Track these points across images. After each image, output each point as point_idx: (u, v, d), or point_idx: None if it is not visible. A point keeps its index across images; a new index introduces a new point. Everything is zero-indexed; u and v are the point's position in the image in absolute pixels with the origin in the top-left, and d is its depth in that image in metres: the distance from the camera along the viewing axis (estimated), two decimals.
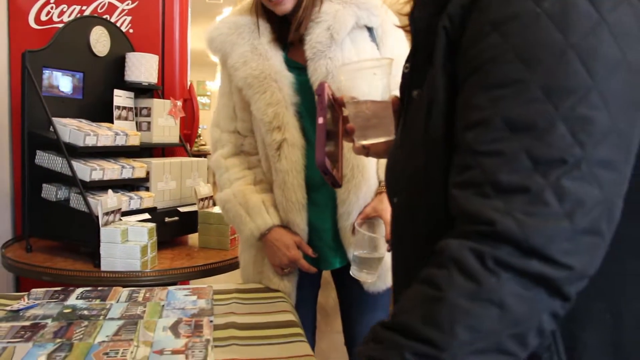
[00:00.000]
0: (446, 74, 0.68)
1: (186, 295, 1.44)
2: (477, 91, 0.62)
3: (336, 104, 1.07)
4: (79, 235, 1.86)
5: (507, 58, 0.60)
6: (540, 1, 0.60)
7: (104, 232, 1.72)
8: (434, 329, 0.57)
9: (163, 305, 1.36)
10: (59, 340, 1.15)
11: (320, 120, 1.00)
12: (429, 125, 0.70)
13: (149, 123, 2.25)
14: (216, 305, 1.41)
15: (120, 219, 1.84)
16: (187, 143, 2.54)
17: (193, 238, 2.22)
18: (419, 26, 0.77)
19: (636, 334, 0.66)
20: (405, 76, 0.83)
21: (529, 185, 0.57)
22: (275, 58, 1.45)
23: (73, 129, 1.88)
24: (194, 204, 2.16)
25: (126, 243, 1.73)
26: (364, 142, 1.04)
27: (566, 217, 0.56)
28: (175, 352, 1.09)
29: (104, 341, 1.14)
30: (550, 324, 0.59)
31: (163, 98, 2.40)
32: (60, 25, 2.41)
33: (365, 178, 1.43)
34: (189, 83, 2.63)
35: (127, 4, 2.46)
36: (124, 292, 1.47)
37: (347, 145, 1.18)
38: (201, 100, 17.98)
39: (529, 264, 0.56)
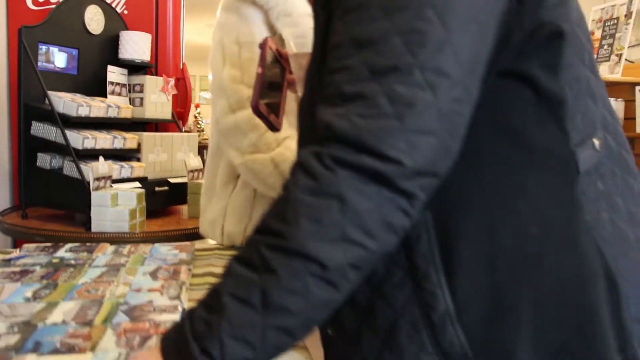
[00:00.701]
0: (326, 12, 0.72)
1: (169, 249, 1.52)
2: (336, 20, 0.68)
3: (282, 59, 1.17)
4: (71, 201, 1.94)
5: None
6: None
7: (94, 196, 1.80)
8: (282, 223, 0.61)
9: (146, 258, 1.44)
10: (45, 281, 1.23)
11: (259, 70, 1.11)
12: (314, 61, 0.78)
13: (141, 99, 2.33)
14: (197, 259, 1.49)
15: (111, 186, 1.92)
16: (179, 120, 2.62)
17: (183, 210, 2.30)
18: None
19: (509, 248, 0.70)
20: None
21: (365, 92, 0.61)
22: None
23: (67, 100, 1.96)
24: (184, 176, 2.24)
25: (116, 207, 1.81)
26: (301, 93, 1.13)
27: (396, 118, 0.60)
28: (151, 290, 1.17)
29: (86, 282, 1.22)
30: (400, 219, 0.62)
31: (156, 74, 2.48)
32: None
33: None
34: (182, 63, 2.71)
35: None
36: (111, 247, 1.55)
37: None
38: (204, 95, 18.13)
39: (361, 159, 0.60)
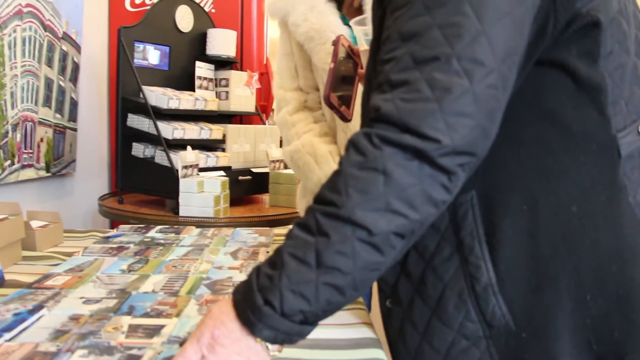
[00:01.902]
0: (381, 11, 0.79)
1: (249, 233, 1.63)
2: (387, 16, 0.74)
3: (354, 55, 1.26)
4: (162, 187, 2.09)
5: None
6: None
7: (182, 183, 1.94)
8: (334, 193, 0.68)
9: (227, 240, 1.54)
10: (138, 256, 1.36)
11: (332, 65, 1.20)
12: (373, 55, 0.84)
13: (227, 93, 2.46)
14: (275, 243, 1.58)
15: (198, 174, 2.06)
16: (262, 113, 2.74)
17: (265, 199, 2.41)
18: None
19: (550, 224, 0.75)
20: None
21: (409, 79, 0.68)
22: (333, 15, 1.58)
23: (159, 94, 2.11)
24: (267, 167, 2.35)
25: (202, 193, 1.94)
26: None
27: (435, 101, 0.66)
28: (231, 267, 1.27)
29: (174, 259, 1.34)
30: (440, 194, 0.68)
31: (241, 69, 2.61)
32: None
33: None
34: (265, 58, 2.82)
35: None
36: (196, 230, 1.67)
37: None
38: None
39: (404, 138, 0.66)
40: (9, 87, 1.72)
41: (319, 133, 1.64)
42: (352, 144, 0.71)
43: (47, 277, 1.19)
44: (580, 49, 0.74)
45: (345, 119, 1.30)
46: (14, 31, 1.73)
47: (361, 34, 1.29)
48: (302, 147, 1.62)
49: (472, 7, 0.67)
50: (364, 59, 1.24)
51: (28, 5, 1.80)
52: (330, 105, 1.24)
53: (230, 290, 1.11)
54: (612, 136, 0.75)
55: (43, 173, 2.00)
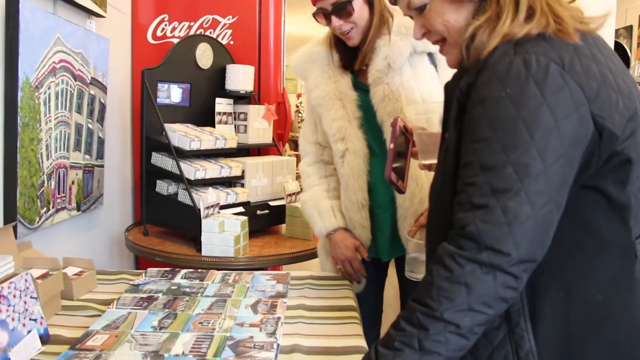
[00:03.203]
0: (457, 127, 1.03)
1: (267, 279, 1.78)
2: (467, 143, 0.98)
3: (407, 132, 1.45)
4: (184, 224, 2.26)
5: (483, 123, 0.96)
6: (506, 87, 0.93)
7: (204, 223, 2.10)
8: (429, 299, 0.94)
9: (248, 288, 1.70)
10: (167, 310, 1.52)
11: (391, 145, 1.40)
12: (446, 159, 1.06)
13: (245, 126, 2.61)
14: (291, 289, 1.73)
15: (219, 212, 2.22)
16: (279, 142, 2.89)
17: (281, 227, 2.56)
18: (448, 92, 1.11)
19: (580, 309, 0.99)
20: (442, 121, 1.18)
21: (488, 204, 0.92)
22: (343, 80, 1.74)
23: (181, 135, 2.27)
24: (283, 198, 2.50)
25: (223, 233, 2.09)
26: (423, 162, 1.42)
27: (507, 225, 0.91)
28: (252, 325, 1.43)
29: (199, 313, 1.50)
30: (509, 293, 0.93)
31: (259, 103, 2.76)
32: (173, 40, 2.85)
33: (419, 188, 1.70)
34: (282, 88, 2.97)
35: (229, 19, 2.83)
36: (218, 274, 1.83)
37: (414, 162, 1.54)
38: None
39: (482, 256, 0.91)
40: (45, 140, 1.89)
41: (327, 189, 1.83)
42: (441, 261, 0.96)
43: (87, 335, 1.35)
44: (615, 178, 0.98)
45: (401, 191, 1.52)
46: (49, 88, 1.89)
47: (414, 115, 1.45)
48: (310, 199, 1.84)
49: (538, 151, 0.91)
50: (417, 139, 1.43)
51: (61, 60, 1.97)
52: (390, 182, 1.44)
53: (252, 352, 1.27)
54: (632, 242, 1.00)
55: (75, 213, 2.17)
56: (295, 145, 11.67)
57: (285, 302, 1.59)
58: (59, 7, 2.02)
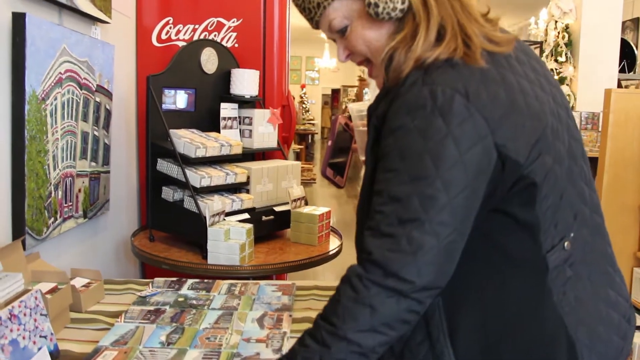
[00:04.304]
0: (373, 153, 1.08)
1: (273, 291, 1.82)
2: (380, 171, 1.03)
3: (349, 129, 1.53)
4: (190, 231, 2.29)
5: (393, 153, 1.00)
6: (414, 119, 0.98)
7: (210, 231, 2.13)
8: (335, 317, 1.01)
9: (254, 300, 1.74)
10: (174, 324, 1.56)
11: (329, 142, 1.50)
12: (365, 182, 1.12)
13: (250, 131, 2.64)
14: (297, 300, 1.77)
15: (224, 219, 2.25)
16: (284, 145, 2.92)
17: (286, 231, 2.59)
18: (370, 115, 1.15)
19: (496, 321, 1.06)
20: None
21: (394, 233, 0.98)
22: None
23: (186, 142, 2.30)
24: (288, 203, 2.53)
25: (228, 241, 2.13)
26: (363, 158, 1.47)
27: (412, 254, 0.96)
28: (259, 340, 1.47)
29: (207, 327, 1.54)
30: (412, 317, 1.00)
31: (264, 107, 2.78)
32: (177, 43, 2.87)
33: None
34: (287, 90, 2.99)
35: (233, 22, 2.86)
36: (224, 285, 1.87)
37: None
38: (310, 74, 18.61)
39: (388, 282, 0.97)
40: (51, 151, 1.92)
41: None
42: (348, 281, 1.02)
43: (96, 352, 1.39)
44: (521, 201, 1.03)
45: (339, 186, 1.58)
46: (55, 99, 1.92)
47: (355, 112, 1.54)
48: None
49: (443, 183, 0.96)
50: (357, 136, 1.51)
51: (67, 71, 1.99)
52: (326, 177, 1.56)
53: None
54: (543, 256, 1.05)
55: (81, 220, 2.20)
56: (299, 138, 11.73)
57: (291, 316, 1.62)
58: (65, 17, 2.04)
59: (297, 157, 9.78)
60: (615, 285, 1.14)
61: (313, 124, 15.57)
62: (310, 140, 13.57)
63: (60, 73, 1.95)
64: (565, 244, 1.07)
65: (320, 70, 17.99)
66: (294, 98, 3.08)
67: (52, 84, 1.90)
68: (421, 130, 0.97)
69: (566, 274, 1.07)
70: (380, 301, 0.97)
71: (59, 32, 1.92)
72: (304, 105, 16.30)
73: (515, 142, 0.98)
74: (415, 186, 0.97)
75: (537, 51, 6.75)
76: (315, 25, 1.19)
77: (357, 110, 1.51)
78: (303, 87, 17.15)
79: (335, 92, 19.01)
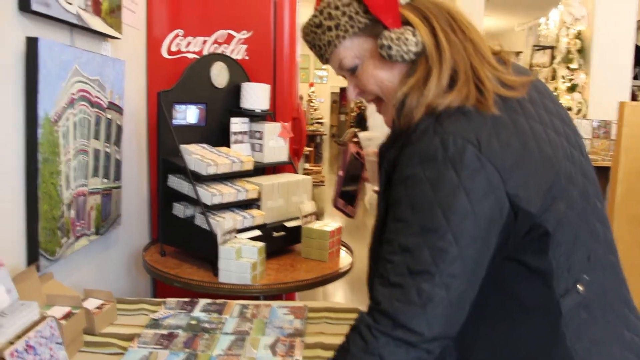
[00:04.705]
0: (385, 198, 1.09)
1: (285, 314, 1.83)
2: (390, 219, 1.04)
3: (360, 157, 1.54)
4: (201, 248, 2.31)
5: (404, 203, 1.01)
6: (425, 169, 0.98)
7: (222, 249, 2.15)
8: None
9: (266, 323, 1.75)
10: (187, 350, 1.58)
11: (340, 173, 1.52)
12: (376, 222, 1.13)
13: (261, 145, 2.65)
14: (309, 323, 1.78)
15: (235, 236, 2.27)
16: (295, 157, 2.93)
17: (297, 246, 2.61)
18: (381, 155, 1.16)
19: None
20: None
21: (403, 284, 0.99)
22: None
23: (197, 159, 2.32)
24: (298, 217, 2.54)
25: (240, 259, 2.15)
26: (374, 188, 1.50)
27: (421, 306, 0.97)
28: None
29: (220, 354, 1.56)
30: None
31: (274, 120, 2.80)
32: (187, 55, 2.89)
33: None
34: (297, 102, 3.00)
35: (243, 34, 2.87)
36: (236, 307, 1.89)
37: None
38: (318, 73, 18.60)
39: (396, 332, 0.98)
40: (64, 172, 1.94)
41: None
42: (358, 330, 1.04)
43: None
44: (534, 249, 1.03)
45: (350, 216, 1.59)
46: (67, 120, 1.94)
47: (365, 141, 1.56)
48: None
49: (454, 235, 0.96)
50: (368, 166, 1.54)
51: (79, 91, 2.01)
52: (338, 209, 1.55)
53: None
54: (556, 301, 1.05)
55: (94, 237, 2.23)
56: (308, 140, 11.72)
57: (303, 342, 1.64)
58: (76, 37, 2.06)
59: (307, 158, 9.79)
60: (631, 325, 1.14)
61: (322, 124, 15.55)
62: (319, 141, 13.56)
63: (72, 94, 1.97)
64: (579, 287, 1.07)
65: (328, 68, 17.97)
66: (301, 98, 3.08)
67: (65, 106, 1.92)
68: (432, 181, 0.97)
69: (580, 316, 1.07)
70: (389, 351, 0.99)
71: (71, 54, 1.94)
72: (312, 104, 16.29)
73: (527, 191, 0.99)
74: (425, 238, 0.97)
75: (548, 56, 6.72)
76: (325, 61, 1.20)
77: (367, 138, 1.52)
78: (311, 85, 17.14)
79: (344, 91, 18.89)
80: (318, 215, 2.61)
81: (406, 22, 1.08)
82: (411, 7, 1.09)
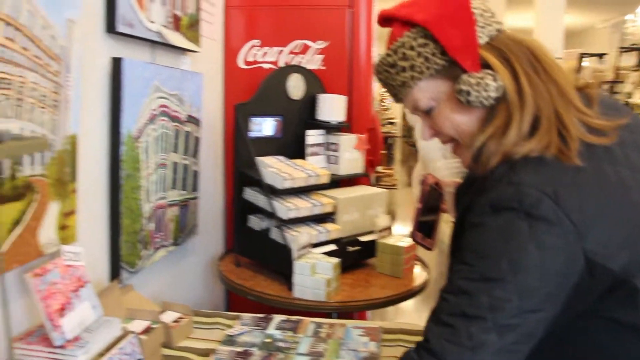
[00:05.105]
0: (457, 241, 1.10)
1: (359, 335, 1.82)
2: (456, 260, 1.04)
3: (439, 188, 1.51)
4: (276, 261, 2.34)
5: (471, 248, 1.00)
6: (497, 218, 0.96)
7: (297, 265, 2.16)
8: None
9: (341, 345, 1.75)
10: None
11: (419, 205, 1.44)
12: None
13: (336, 157, 2.65)
14: (384, 346, 1.77)
15: (310, 250, 2.28)
16: (370, 168, 2.91)
17: (371, 262, 2.59)
18: (458, 197, 1.17)
19: None
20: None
21: (456, 325, 0.97)
22: None
23: (273, 172, 2.34)
24: (373, 231, 2.52)
25: (315, 275, 2.15)
26: (453, 219, 1.45)
27: (471, 350, 0.95)
28: None
29: None
30: None
31: (350, 131, 2.79)
32: (263, 65, 2.93)
33: None
34: (373, 113, 2.98)
35: (319, 44, 2.87)
36: (311, 325, 1.89)
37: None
38: None
39: None
40: (144, 186, 2.00)
41: None
42: None
43: None
44: (623, 306, 0.99)
45: (429, 249, 1.55)
46: (148, 135, 2.00)
47: (446, 171, 1.53)
48: None
49: (517, 288, 0.93)
50: (447, 197, 1.51)
51: (160, 106, 2.07)
52: (416, 242, 1.51)
53: None
54: None
55: (172, 248, 2.29)
56: (387, 160, 11.70)
57: None
58: (157, 54, 2.12)
59: None
60: None
61: (393, 124, 15.41)
62: (390, 142, 13.44)
63: (152, 109, 2.03)
64: None
65: None
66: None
67: (146, 122, 1.98)
68: (502, 231, 0.95)
69: None
70: None
71: (152, 71, 2.00)
72: (383, 104, 16.17)
73: (608, 248, 0.94)
74: (486, 285, 0.96)
75: (636, 58, 6.39)
76: (399, 101, 1.17)
77: (446, 168, 1.50)
78: None
79: None
80: (392, 217, 2.59)
81: (486, 65, 1.04)
82: (491, 48, 1.05)
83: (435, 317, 1.01)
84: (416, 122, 2.00)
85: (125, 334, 1.48)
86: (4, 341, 1.00)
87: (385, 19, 1.14)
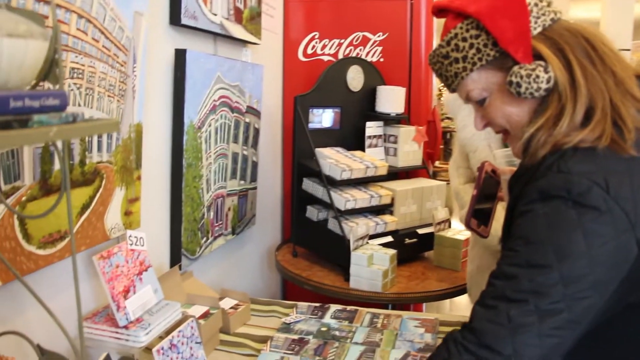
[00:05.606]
0: (508, 230, 1.10)
1: (415, 326, 1.82)
2: (505, 247, 1.06)
3: (495, 175, 1.48)
4: (333, 253, 2.36)
5: (519, 234, 1.01)
6: (545, 206, 0.97)
7: (353, 255, 2.18)
8: None
9: (396, 335, 1.76)
10: (318, 357, 1.62)
11: (474, 192, 1.45)
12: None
13: (395, 149, 2.65)
14: (440, 338, 1.76)
15: (367, 242, 2.29)
16: (429, 161, 2.90)
17: (429, 255, 2.58)
18: (510, 187, 1.16)
19: None
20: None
21: (498, 307, 0.99)
22: None
23: (332, 164, 2.36)
24: (431, 224, 2.51)
25: (371, 266, 2.16)
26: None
27: (509, 331, 0.96)
28: None
29: None
30: None
31: (409, 123, 2.78)
32: (322, 57, 2.95)
33: None
34: (432, 106, 2.96)
35: (379, 36, 2.88)
36: (367, 315, 1.91)
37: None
38: None
39: (481, 352, 0.99)
40: (205, 175, 2.06)
41: None
42: (445, 344, 1.07)
43: None
44: None
45: (483, 236, 1.52)
46: (209, 125, 2.06)
47: (504, 160, 1.49)
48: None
49: (561, 275, 0.94)
50: (504, 185, 1.47)
51: (220, 97, 2.13)
52: (470, 229, 1.49)
53: None
54: None
55: (230, 237, 2.35)
56: (444, 155, 11.55)
57: None
58: (219, 45, 2.17)
59: None
60: None
61: (451, 119, 15.19)
62: (448, 137, 13.25)
63: (214, 100, 2.08)
64: None
65: None
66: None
67: (207, 112, 2.03)
68: (550, 218, 0.96)
69: None
70: None
71: (214, 62, 2.05)
72: (441, 100, 15.96)
73: None
74: (531, 271, 0.97)
75: None
76: (453, 91, 1.18)
77: (504, 156, 1.48)
78: None
79: None
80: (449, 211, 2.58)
81: (538, 56, 1.03)
82: (544, 38, 1.04)
83: (481, 300, 1.04)
84: (457, 112, 1.98)
85: (185, 317, 1.53)
86: (75, 319, 1.05)
87: (439, 10, 1.15)
